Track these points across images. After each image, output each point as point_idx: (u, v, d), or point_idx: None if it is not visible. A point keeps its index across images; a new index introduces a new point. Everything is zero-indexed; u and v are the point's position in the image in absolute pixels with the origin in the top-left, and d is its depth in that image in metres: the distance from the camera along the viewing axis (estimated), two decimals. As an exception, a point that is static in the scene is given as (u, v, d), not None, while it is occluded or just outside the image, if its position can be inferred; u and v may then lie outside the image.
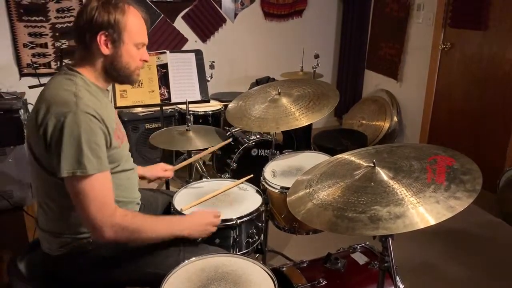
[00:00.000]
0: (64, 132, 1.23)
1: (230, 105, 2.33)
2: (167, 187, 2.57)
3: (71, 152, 1.23)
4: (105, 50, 1.35)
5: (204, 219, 1.51)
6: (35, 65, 3.58)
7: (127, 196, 1.55)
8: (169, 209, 1.79)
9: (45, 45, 3.63)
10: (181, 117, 3.31)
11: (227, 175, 2.85)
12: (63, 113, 1.24)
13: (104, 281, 1.46)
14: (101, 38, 1.34)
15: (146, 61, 1.47)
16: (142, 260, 1.45)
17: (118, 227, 1.29)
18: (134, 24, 1.38)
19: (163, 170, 1.91)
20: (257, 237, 1.77)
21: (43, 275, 1.50)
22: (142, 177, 1.84)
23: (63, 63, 3.54)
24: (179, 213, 1.68)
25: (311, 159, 2.15)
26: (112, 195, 1.33)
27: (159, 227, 1.41)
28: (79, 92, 1.30)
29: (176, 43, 4.12)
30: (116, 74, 1.42)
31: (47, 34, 3.61)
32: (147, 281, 1.47)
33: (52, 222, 1.40)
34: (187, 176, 2.73)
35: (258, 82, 4.06)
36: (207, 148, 2.23)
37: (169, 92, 2.50)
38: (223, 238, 1.65)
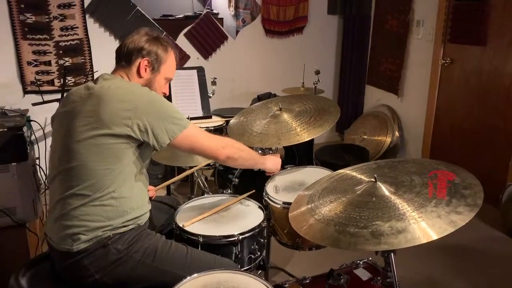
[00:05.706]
0: (158, 109, 1.47)
1: (232, 120, 2.35)
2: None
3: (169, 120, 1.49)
4: (144, 74, 1.59)
5: (277, 159, 1.95)
6: (38, 83, 3.62)
7: (144, 199, 1.61)
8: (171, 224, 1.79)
9: (48, 63, 3.67)
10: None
11: (229, 191, 2.84)
12: (143, 95, 1.49)
13: (117, 280, 1.48)
14: (143, 62, 1.58)
15: (165, 94, 1.71)
16: (153, 257, 1.50)
17: (228, 146, 1.64)
18: (170, 62, 1.67)
19: None
20: (259, 253, 1.76)
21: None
22: None
23: (67, 80, 3.58)
24: (181, 229, 1.69)
25: (313, 174, 2.15)
26: None
27: (252, 152, 1.80)
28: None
29: (179, 60, 4.14)
30: None
31: (50, 52, 3.66)
32: (158, 281, 1.50)
33: (86, 214, 1.45)
34: (189, 192, 2.73)
35: (259, 98, 4.08)
36: (209, 164, 2.22)
37: (171, 109, 2.51)
38: (225, 254, 1.65)
